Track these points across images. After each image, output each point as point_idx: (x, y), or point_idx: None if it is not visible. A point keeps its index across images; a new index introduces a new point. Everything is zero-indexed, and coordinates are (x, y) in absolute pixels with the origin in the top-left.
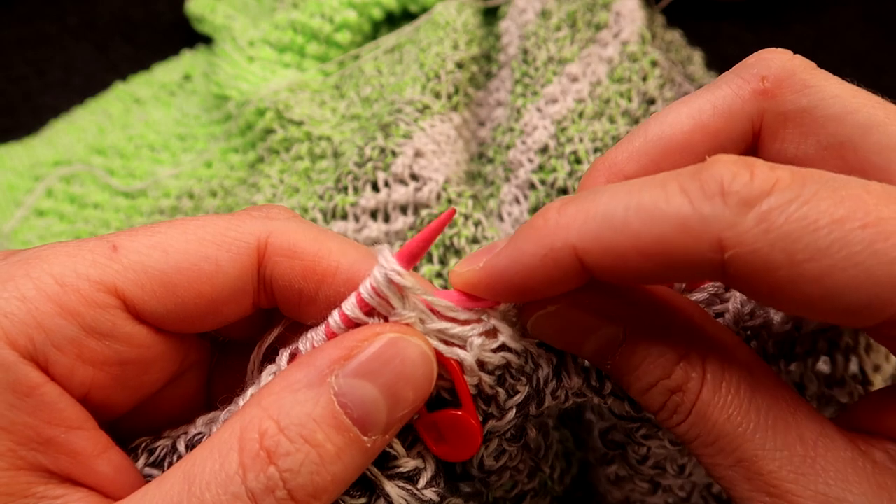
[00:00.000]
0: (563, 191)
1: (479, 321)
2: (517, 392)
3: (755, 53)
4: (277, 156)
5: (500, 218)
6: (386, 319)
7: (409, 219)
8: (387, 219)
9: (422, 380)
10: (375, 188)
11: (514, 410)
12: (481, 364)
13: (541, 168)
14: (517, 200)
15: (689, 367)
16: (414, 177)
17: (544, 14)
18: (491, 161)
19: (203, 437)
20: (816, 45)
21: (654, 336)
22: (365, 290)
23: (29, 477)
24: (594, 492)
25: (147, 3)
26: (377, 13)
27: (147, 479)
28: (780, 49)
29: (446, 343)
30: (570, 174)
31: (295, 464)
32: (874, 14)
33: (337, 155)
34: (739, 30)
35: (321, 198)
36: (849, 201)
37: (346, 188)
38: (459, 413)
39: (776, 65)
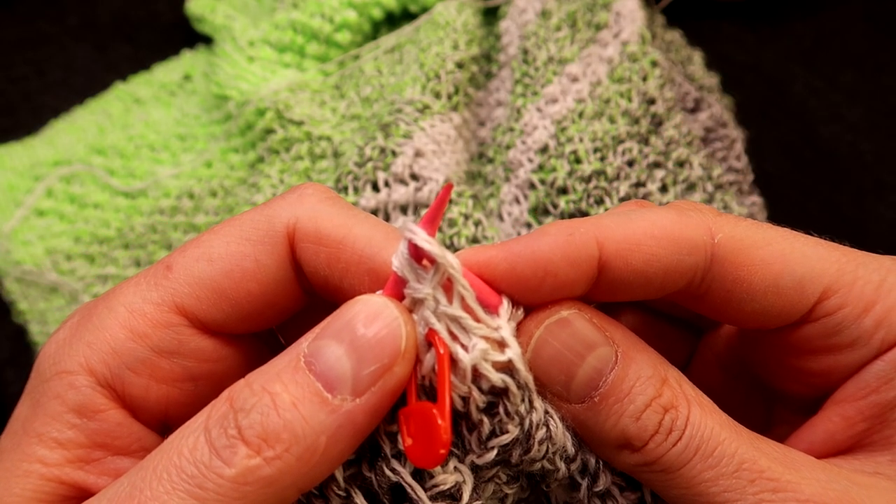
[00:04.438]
0: (563, 191)
1: (489, 327)
2: (505, 432)
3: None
4: (277, 156)
5: (500, 218)
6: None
7: (410, 219)
8: (387, 219)
9: (387, 336)
10: (375, 188)
11: (496, 452)
12: (476, 375)
13: (541, 168)
14: (517, 200)
15: (672, 387)
16: (414, 177)
17: (544, 14)
18: (491, 161)
19: None
20: (816, 45)
21: (640, 357)
22: (395, 260)
23: (67, 491)
24: None
25: (147, 3)
26: (377, 13)
27: None
28: None
29: (451, 334)
30: (570, 174)
31: (247, 405)
32: (874, 14)
33: (337, 155)
34: (739, 30)
35: None
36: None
37: (346, 188)
38: (430, 407)
39: None
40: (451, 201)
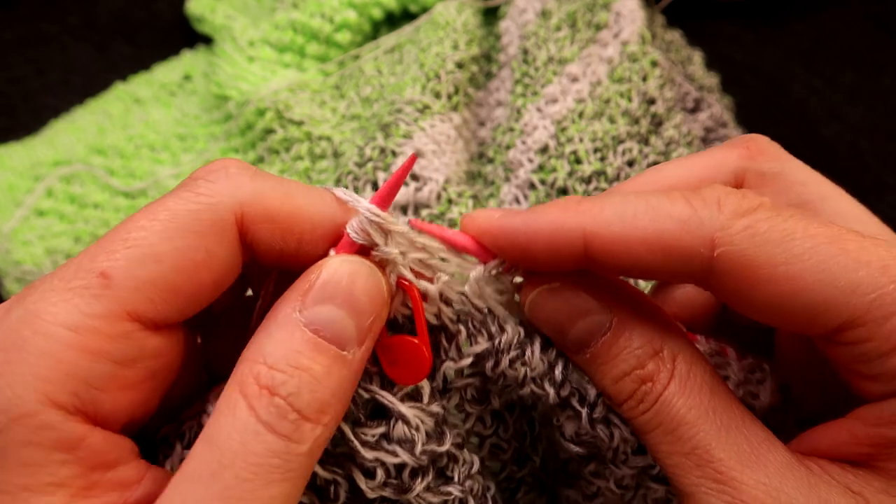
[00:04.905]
0: (563, 191)
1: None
2: (477, 343)
3: (743, 136)
4: (277, 156)
5: None
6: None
7: (411, 218)
8: None
9: (373, 289)
10: (376, 188)
11: (472, 359)
12: (442, 296)
13: (541, 168)
14: (517, 200)
15: (661, 362)
16: (414, 177)
17: (544, 14)
18: (491, 161)
19: None
20: (816, 45)
21: (635, 329)
22: (353, 232)
23: None
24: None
25: (147, 3)
26: (377, 13)
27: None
28: (762, 135)
29: (416, 274)
30: (570, 174)
31: (294, 388)
32: (874, 14)
33: (337, 155)
34: (739, 30)
35: None
36: (819, 225)
37: (346, 188)
38: (413, 339)
39: (760, 140)
40: (450, 201)
